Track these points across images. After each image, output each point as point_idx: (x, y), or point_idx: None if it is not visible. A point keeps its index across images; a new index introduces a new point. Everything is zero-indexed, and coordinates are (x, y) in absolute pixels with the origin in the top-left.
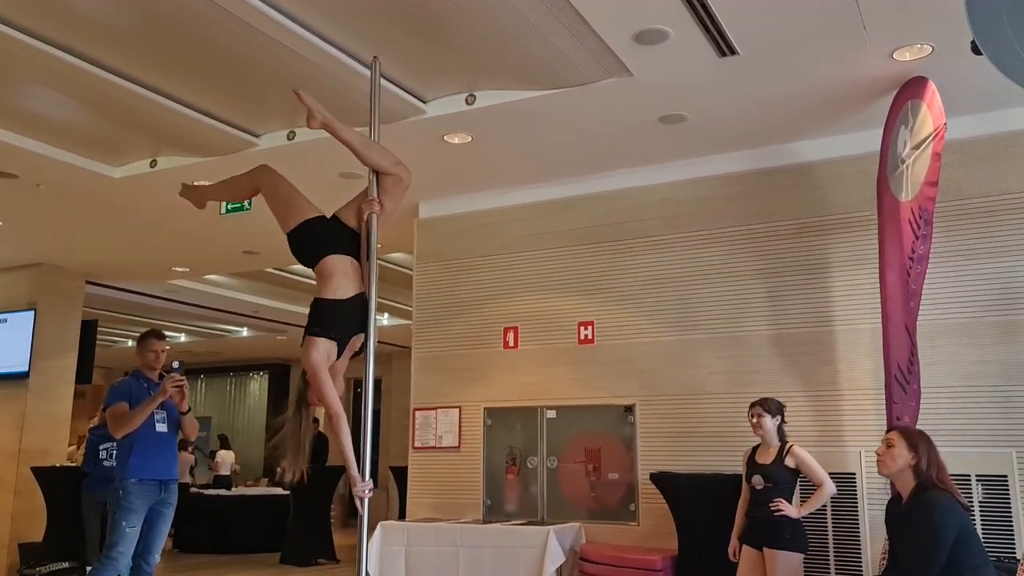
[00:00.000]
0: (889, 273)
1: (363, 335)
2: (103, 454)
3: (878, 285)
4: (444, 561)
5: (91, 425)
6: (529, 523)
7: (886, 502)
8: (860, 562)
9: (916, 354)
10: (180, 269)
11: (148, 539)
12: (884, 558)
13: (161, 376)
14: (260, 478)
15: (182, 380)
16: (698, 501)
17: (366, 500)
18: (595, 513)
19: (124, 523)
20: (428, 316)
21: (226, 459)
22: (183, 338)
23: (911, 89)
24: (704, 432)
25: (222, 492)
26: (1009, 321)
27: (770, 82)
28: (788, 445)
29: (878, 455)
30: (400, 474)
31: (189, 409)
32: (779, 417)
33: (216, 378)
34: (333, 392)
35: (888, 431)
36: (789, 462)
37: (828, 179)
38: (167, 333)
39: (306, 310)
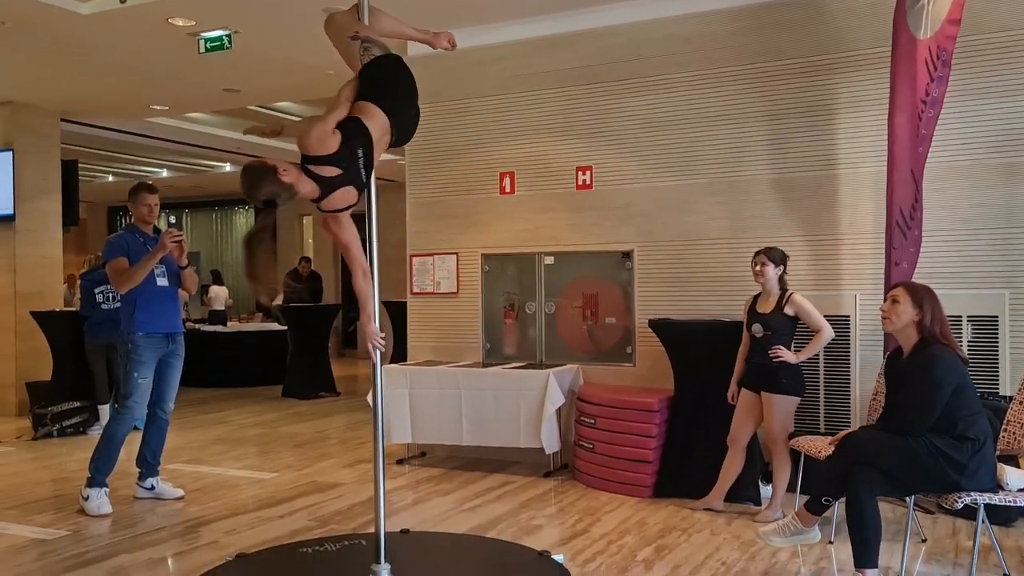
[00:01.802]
0: (899, 116)
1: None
2: (100, 297)
3: (884, 127)
4: (446, 403)
5: (82, 271)
6: (528, 366)
7: (886, 353)
8: (849, 401)
9: (920, 200)
10: (158, 107)
11: (161, 389)
12: (874, 399)
13: (156, 230)
14: (254, 312)
15: (180, 235)
16: (696, 347)
17: (378, 351)
18: (592, 356)
19: (136, 375)
20: (421, 160)
21: (219, 295)
22: (165, 173)
23: None
24: (702, 277)
25: (220, 328)
26: (1014, 163)
27: None
28: (788, 293)
29: (883, 312)
30: (392, 309)
31: (189, 263)
32: (782, 267)
33: (201, 212)
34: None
35: (893, 287)
36: (788, 310)
37: (839, 13)
38: (148, 169)
39: (290, 147)
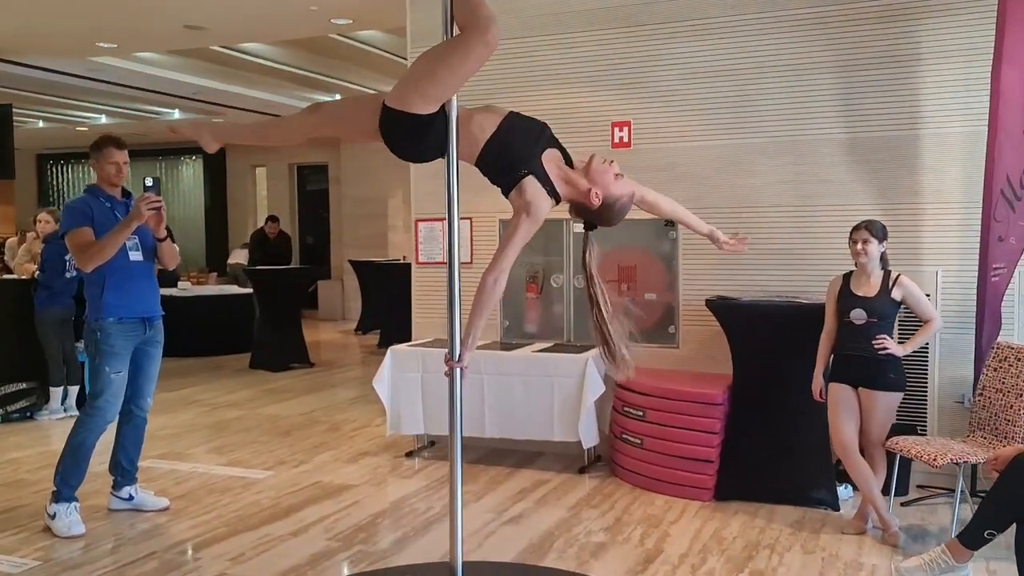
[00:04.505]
0: (1007, 68)
1: None
2: (68, 264)
3: (978, 81)
4: (467, 390)
5: (45, 233)
6: (555, 347)
7: (978, 336)
8: (926, 390)
9: None
10: (106, 45)
11: (137, 383)
12: (981, 395)
13: (125, 194)
14: (205, 270)
15: (159, 201)
16: (765, 332)
17: (456, 376)
18: (629, 336)
19: (107, 368)
20: None
21: None
22: (103, 119)
23: None
24: (758, 250)
25: (175, 292)
26: None
27: None
28: (895, 275)
29: None
30: (361, 269)
31: (168, 235)
32: (884, 243)
33: (143, 162)
34: None
35: None
36: (896, 294)
37: None
38: (84, 115)
39: (256, 93)
